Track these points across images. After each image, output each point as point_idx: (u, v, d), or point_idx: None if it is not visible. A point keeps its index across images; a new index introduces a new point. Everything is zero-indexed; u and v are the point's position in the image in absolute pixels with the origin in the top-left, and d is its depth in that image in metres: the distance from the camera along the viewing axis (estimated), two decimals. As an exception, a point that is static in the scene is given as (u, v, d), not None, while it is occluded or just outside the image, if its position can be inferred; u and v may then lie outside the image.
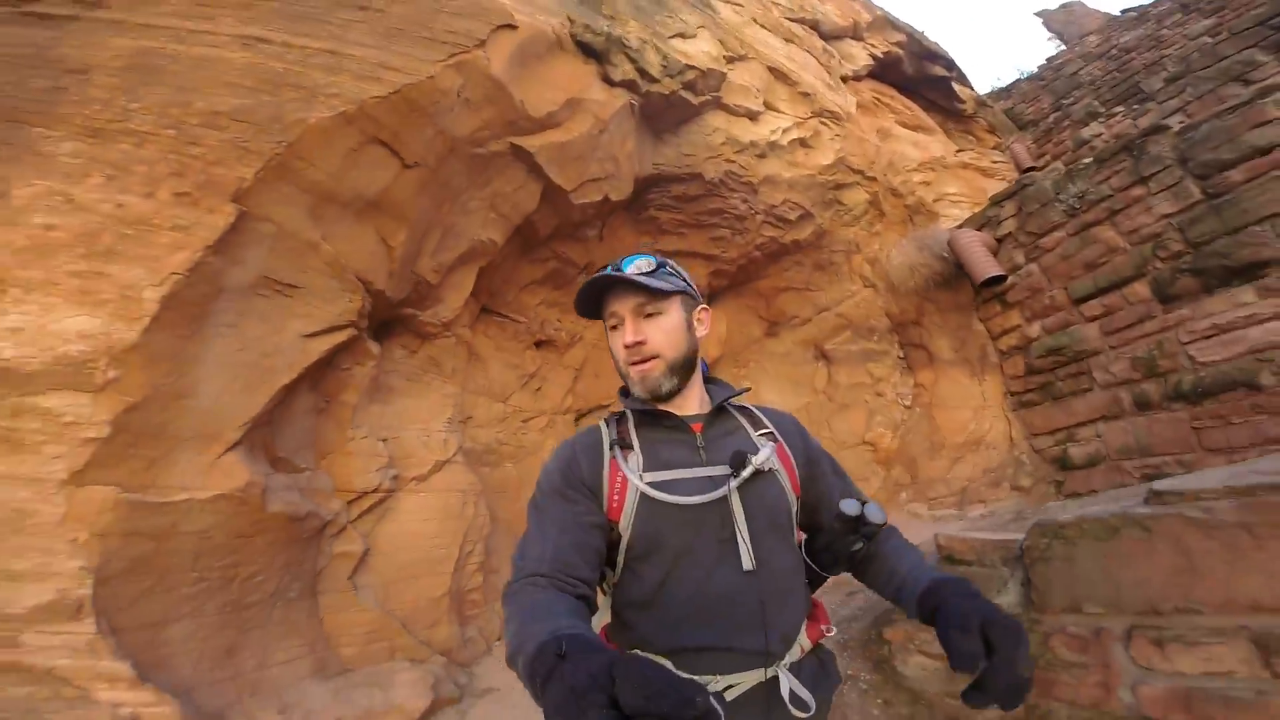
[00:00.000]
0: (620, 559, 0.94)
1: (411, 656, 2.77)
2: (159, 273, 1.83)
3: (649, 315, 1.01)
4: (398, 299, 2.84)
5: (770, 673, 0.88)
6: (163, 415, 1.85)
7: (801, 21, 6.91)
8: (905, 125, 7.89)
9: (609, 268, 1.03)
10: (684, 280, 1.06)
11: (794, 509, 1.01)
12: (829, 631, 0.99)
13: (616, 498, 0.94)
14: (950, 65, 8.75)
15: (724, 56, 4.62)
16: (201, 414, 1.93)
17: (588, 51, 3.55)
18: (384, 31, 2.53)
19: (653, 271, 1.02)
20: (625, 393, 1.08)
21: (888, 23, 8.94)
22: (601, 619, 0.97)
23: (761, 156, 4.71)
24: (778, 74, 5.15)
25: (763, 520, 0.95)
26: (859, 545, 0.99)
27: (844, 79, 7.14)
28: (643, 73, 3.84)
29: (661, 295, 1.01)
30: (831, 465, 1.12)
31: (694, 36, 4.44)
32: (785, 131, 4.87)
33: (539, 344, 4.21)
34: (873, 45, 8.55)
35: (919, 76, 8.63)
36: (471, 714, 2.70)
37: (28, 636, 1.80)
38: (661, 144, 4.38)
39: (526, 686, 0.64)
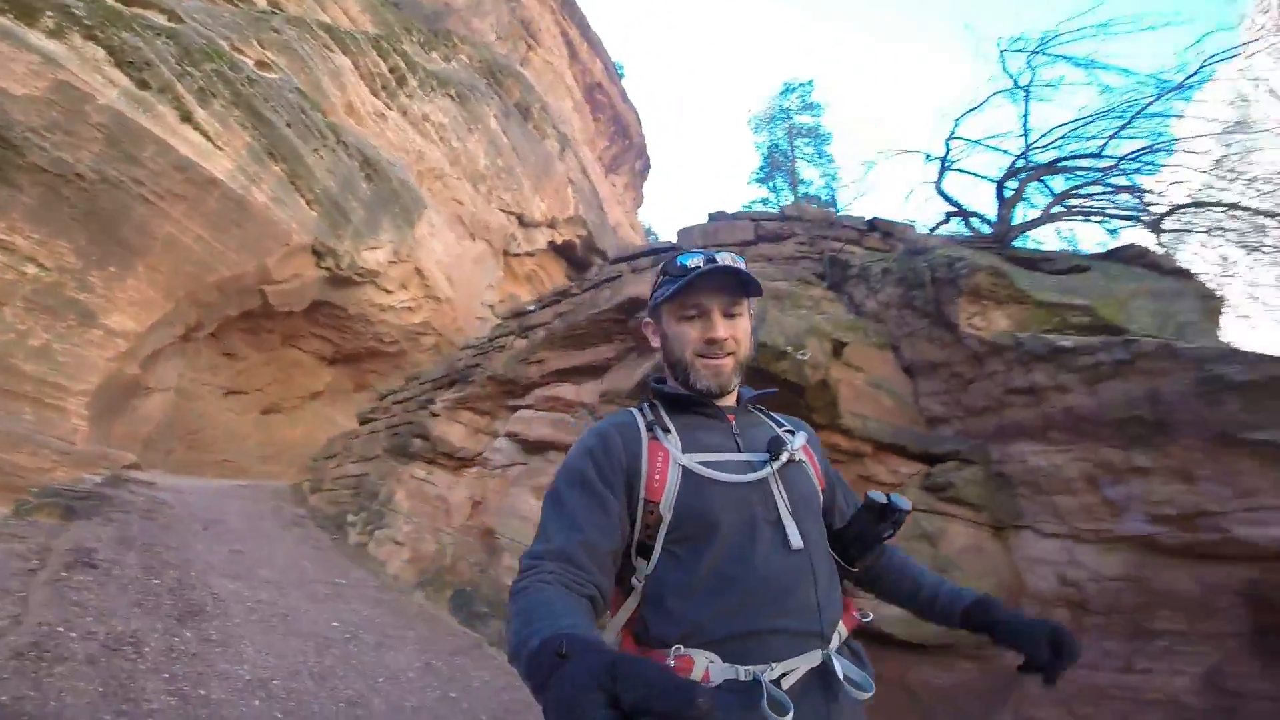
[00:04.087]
0: (658, 543, 0.92)
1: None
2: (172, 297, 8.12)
3: (732, 315, 1.02)
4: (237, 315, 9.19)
5: (824, 656, 0.87)
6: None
7: (509, 212, 13.49)
8: (540, 292, 13.73)
9: (700, 255, 1.00)
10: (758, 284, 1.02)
11: (821, 500, 1.04)
12: (864, 619, 0.99)
13: (658, 476, 0.92)
14: (604, 256, 14.54)
15: (390, 261, 11.15)
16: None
17: (316, 253, 10.13)
18: (248, 243, 8.73)
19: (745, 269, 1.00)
20: (659, 381, 1.10)
21: (580, 220, 15.41)
22: (626, 612, 0.93)
23: (383, 311, 11.78)
24: (420, 271, 12.09)
25: (800, 505, 0.97)
26: (890, 532, 1.00)
27: (517, 254, 13.88)
28: (338, 265, 10.48)
29: (746, 295, 1.03)
30: (838, 473, 1.16)
31: (380, 248, 10.85)
32: (403, 303, 11.79)
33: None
34: (560, 235, 15.03)
35: (585, 259, 15.49)
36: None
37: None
38: (336, 290, 11.25)
39: (527, 684, 0.65)
